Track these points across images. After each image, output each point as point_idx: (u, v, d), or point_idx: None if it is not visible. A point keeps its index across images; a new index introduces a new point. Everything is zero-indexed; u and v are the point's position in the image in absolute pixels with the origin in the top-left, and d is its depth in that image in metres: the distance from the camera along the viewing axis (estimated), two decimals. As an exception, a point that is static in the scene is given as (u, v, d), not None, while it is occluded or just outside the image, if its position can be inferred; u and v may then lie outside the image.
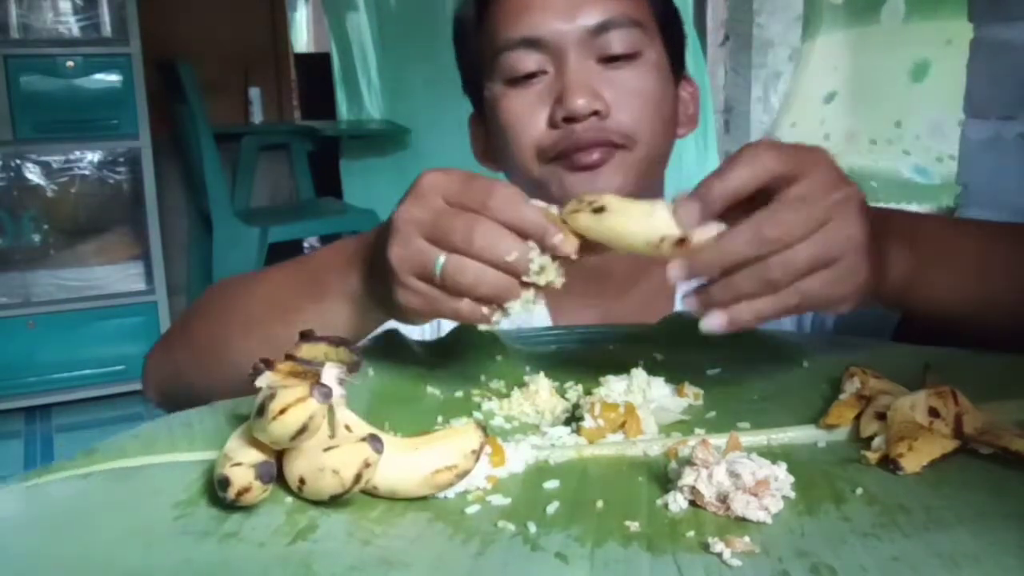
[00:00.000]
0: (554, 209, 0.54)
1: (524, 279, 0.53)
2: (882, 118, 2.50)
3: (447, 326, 0.71)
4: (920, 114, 2.38)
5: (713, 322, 0.53)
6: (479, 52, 0.83)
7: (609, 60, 0.78)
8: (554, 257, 0.53)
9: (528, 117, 0.78)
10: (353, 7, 3.67)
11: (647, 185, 0.79)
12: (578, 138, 0.76)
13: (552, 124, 0.77)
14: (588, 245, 0.54)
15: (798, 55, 2.64)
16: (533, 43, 0.77)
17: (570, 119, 0.76)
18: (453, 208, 0.54)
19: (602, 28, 0.77)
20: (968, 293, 0.64)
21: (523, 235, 0.53)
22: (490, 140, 0.86)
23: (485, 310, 0.54)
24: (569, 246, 0.53)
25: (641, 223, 0.52)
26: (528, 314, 0.55)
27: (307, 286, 0.66)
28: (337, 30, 3.69)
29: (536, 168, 0.79)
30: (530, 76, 0.78)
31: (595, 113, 0.76)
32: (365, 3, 3.64)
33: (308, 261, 0.70)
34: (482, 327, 0.56)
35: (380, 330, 0.68)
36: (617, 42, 0.77)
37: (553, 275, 0.53)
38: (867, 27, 2.47)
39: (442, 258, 0.53)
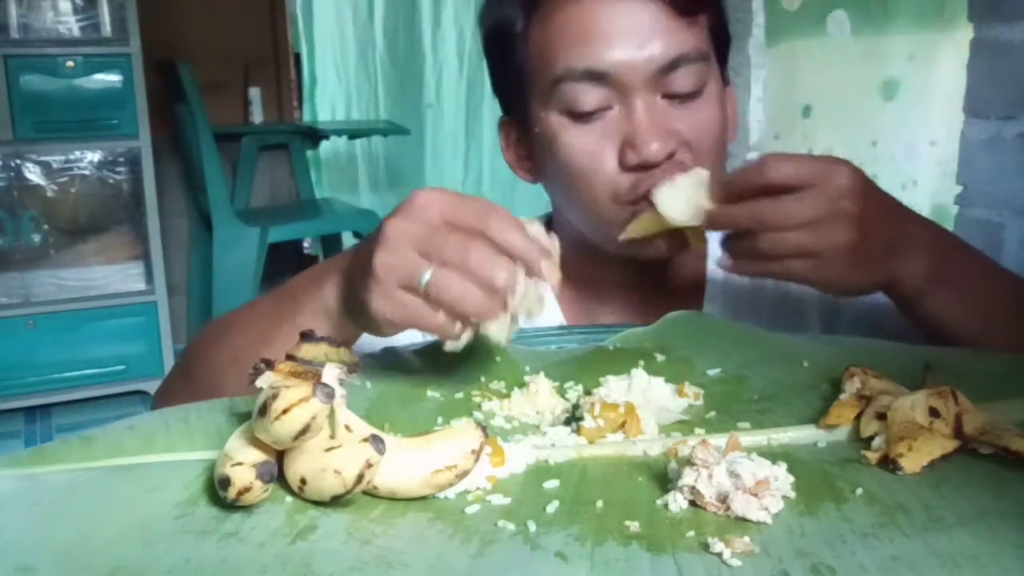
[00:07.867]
0: (541, 235, 0.57)
1: (508, 301, 0.54)
2: (859, 136, 2.42)
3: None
4: (896, 134, 2.31)
5: (724, 261, 0.70)
6: (527, 69, 0.79)
7: (675, 96, 0.75)
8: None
9: (598, 159, 0.75)
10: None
11: None
12: (654, 180, 0.73)
13: (624, 167, 0.74)
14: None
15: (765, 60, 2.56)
16: (598, 76, 0.73)
17: (645, 165, 0.73)
18: (449, 225, 0.55)
19: (672, 66, 0.74)
20: (969, 320, 0.71)
21: (514, 259, 0.54)
22: (535, 155, 0.83)
23: (458, 327, 0.55)
24: (553, 277, 0.55)
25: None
26: (501, 336, 0.56)
27: (285, 306, 0.67)
28: (306, 32, 3.72)
29: (609, 209, 0.76)
30: (592, 112, 0.75)
31: (668, 156, 0.74)
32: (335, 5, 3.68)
33: (288, 285, 0.70)
34: (448, 346, 0.57)
35: (377, 349, 0.68)
36: (686, 79, 0.75)
37: (533, 303, 0.55)
38: (818, 38, 2.40)
39: (429, 271, 0.54)
